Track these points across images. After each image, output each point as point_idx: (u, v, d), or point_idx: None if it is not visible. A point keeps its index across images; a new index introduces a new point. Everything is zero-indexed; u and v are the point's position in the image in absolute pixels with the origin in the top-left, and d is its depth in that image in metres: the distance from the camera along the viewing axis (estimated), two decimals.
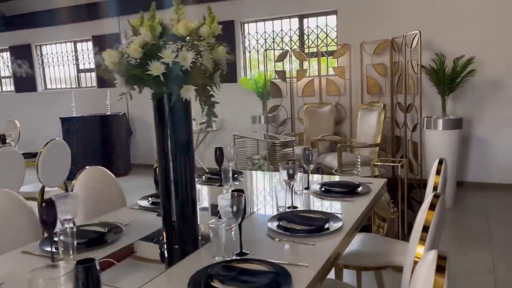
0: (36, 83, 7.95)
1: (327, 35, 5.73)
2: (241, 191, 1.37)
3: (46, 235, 1.52)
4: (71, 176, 2.41)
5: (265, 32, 6.11)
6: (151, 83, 1.35)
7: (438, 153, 4.30)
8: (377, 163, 3.51)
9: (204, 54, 1.36)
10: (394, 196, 3.68)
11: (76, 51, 7.65)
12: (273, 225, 1.62)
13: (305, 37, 5.88)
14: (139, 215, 1.93)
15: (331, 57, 5.60)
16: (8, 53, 8.12)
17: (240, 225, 1.39)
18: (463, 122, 4.46)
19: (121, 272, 1.37)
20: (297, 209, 1.87)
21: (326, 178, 2.53)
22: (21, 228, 1.79)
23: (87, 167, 2.21)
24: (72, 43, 7.64)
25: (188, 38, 1.40)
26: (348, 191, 2.07)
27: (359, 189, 2.09)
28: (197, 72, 1.36)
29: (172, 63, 1.32)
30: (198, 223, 1.58)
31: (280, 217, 1.68)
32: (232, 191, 1.38)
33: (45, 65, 7.97)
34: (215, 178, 2.47)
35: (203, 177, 2.56)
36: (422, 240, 1.31)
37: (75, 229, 1.39)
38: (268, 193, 2.26)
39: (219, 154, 2.34)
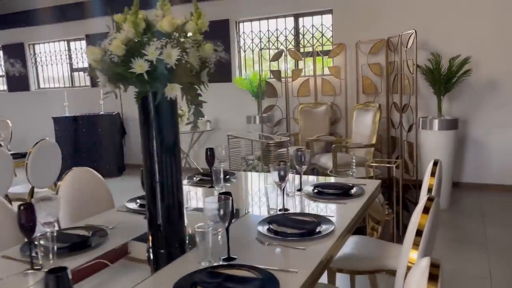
0: (29, 82, 7.86)
1: (322, 35, 5.69)
2: (229, 193, 1.32)
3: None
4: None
5: (260, 31, 6.06)
6: (134, 81, 1.30)
7: (433, 154, 4.26)
8: (372, 164, 3.47)
9: (190, 51, 1.31)
10: (389, 197, 3.64)
11: (69, 50, 7.57)
12: (263, 228, 1.57)
13: (301, 36, 5.84)
14: (126, 218, 1.87)
15: (327, 56, 5.56)
16: (1, 52, 8.04)
17: (227, 229, 1.34)
18: (458, 122, 4.43)
19: (104, 278, 1.32)
20: (289, 211, 1.82)
21: (321, 179, 2.48)
22: (3, 231, 1.73)
23: (74, 168, 2.16)
24: (66, 42, 7.57)
25: (174, 35, 1.34)
26: (341, 193, 2.02)
27: (353, 191, 2.05)
28: (182, 70, 1.31)
29: (156, 60, 1.27)
30: (185, 226, 1.53)
31: (270, 220, 1.63)
32: (220, 193, 1.33)
33: (38, 64, 7.89)
34: (207, 179, 2.42)
35: (194, 178, 2.51)
36: (416, 244, 1.27)
37: (55, 234, 1.33)
38: (259, 195, 2.21)
39: (210, 155, 2.29)
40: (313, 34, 5.75)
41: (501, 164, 4.81)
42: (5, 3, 7.24)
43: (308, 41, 5.79)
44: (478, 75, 4.70)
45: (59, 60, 7.70)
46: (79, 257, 1.45)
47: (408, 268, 1.27)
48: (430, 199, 1.30)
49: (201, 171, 5.09)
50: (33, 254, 1.37)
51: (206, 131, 6.10)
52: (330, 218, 1.68)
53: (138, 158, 6.87)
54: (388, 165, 3.65)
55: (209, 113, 6.17)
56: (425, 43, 4.83)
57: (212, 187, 2.28)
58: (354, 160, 3.76)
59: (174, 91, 1.30)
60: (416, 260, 1.25)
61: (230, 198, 1.29)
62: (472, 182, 4.96)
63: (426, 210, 1.28)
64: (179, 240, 1.51)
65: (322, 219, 1.64)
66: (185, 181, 2.48)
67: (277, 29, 5.95)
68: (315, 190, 2.07)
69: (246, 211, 1.88)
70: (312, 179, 2.51)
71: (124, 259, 1.48)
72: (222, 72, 6.03)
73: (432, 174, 1.79)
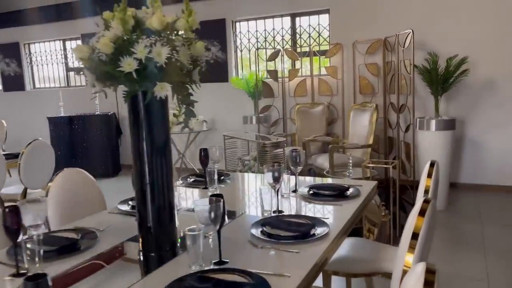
0: (24, 82, 7.81)
1: (319, 34, 5.66)
2: (220, 196, 1.29)
3: None
4: None
5: (257, 31, 6.03)
6: (123, 80, 1.26)
7: (431, 154, 4.24)
8: (368, 165, 3.44)
9: (180, 49, 1.28)
10: (386, 198, 3.61)
11: (65, 49, 7.52)
12: (256, 231, 1.54)
13: (297, 36, 5.81)
14: (117, 220, 1.84)
15: (324, 56, 5.53)
16: None
17: (219, 232, 1.31)
18: (456, 123, 4.41)
19: (93, 282, 1.28)
20: (283, 213, 1.79)
21: (318, 180, 2.45)
22: None
23: (65, 169, 2.12)
24: (61, 42, 7.51)
25: (164, 32, 1.31)
26: (337, 194, 1.99)
27: (348, 192, 2.02)
28: (173, 69, 1.28)
29: (146, 59, 1.23)
30: (177, 228, 1.49)
31: (263, 222, 1.60)
32: (211, 196, 1.30)
33: (34, 64, 7.83)
34: (201, 180, 2.39)
35: (188, 179, 2.47)
36: (411, 248, 1.24)
37: (41, 237, 1.30)
38: (254, 197, 2.18)
39: (204, 156, 2.25)
40: (310, 34, 5.72)
41: (499, 165, 4.79)
42: (0, 2, 7.19)
43: (305, 41, 5.76)
44: (475, 75, 4.67)
45: (54, 59, 7.64)
46: (68, 261, 1.42)
47: (404, 272, 1.24)
48: (426, 201, 1.27)
49: (197, 171, 5.06)
50: (20, 258, 1.33)
51: (202, 131, 6.05)
52: (325, 220, 1.65)
53: None
54: (385, 166, 3.62)
55: (205, 113, 6.13)
56: (422, 43, 4.81)
57: (206, 188, 2.24)
58: (350, 161, 3.74)
59: (164, 90, 1.26)
60: (412, 264, 1.22)
61: (222, 200, 1.26)
62: (470, 182, 4.94)
63: (422, 213, 1.25)
64: (170, 242, 1.47)
65: (316, 221, 1.61)
66: (179, 182, 2.45)
67: (274, 29, 5.92)
68: (311, 192, 2.04)
69: (240, 213, 1.85)
70: (308, 180, 2.47)
71: (114, 263, 1.44)
72: (219, 72, 6.00)
73: (429, 175, 1.77)
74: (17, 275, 1.32)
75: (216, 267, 1.28)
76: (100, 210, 2.07)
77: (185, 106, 1.37)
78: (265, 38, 5.99)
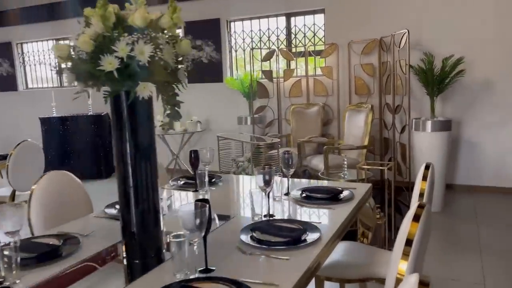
0: (17, 82, 7.71)
1: (314, 34, 5.61)
2: (206, 201, 1.23)
3: None
4: None
5: (251, 30, 5.97)
6: (104, 79, 1.20)
7: (426, 156, 4.20)
8: (363, 167, 3.39)
9: (164, 48, 1.22)
10: (382, 199, 3.57)
11: None
12: (245, 236, 1.49)
13: (292, 36, 5.76)
14: (103, 224, 1.78)
15: (319, 56, 5.48)
16: None
17: (205, 238, 1.25)
18: (452, 123, 4.37)
19: None
20: (274, 217, 1.74)
21: (313, 182, 2.40)
22: None
23: (51, 171, 2.05)
24: (54, 41, 7.43)
25: (148, 30, 1.25)
26: (330, 197, 1.94)
27: (342, 195, 1.97)
28: (156, 68, 1.22)
29: (127, 57, 1.18)
30: (162, 234, 1.43)
31: (253, 227, 1.54)
32: (196, 201, 1.24)
33: (26, 64, 7.74)
34: (192, 182, 2.33)
35: (179, 181, 2.42)
36: (405, 255, 1.18)
37: (18, 244, 1.24)
38: (245, 200, 2.13)
39: (194, 158, 2.20)
40: (305, 34, 5.67)
41: (495, 166, 4.75)
42: None
43: (300, 41, 5.71)
44: (471, 75, 4.64)
45: (47, 59, 7.56)
46: (48, 268, 1.36)
47: (397, 280, 1.19)
48: (420, 206, 1.22)
49: (192, 173, 4.99)
50: None
51: (196, 132, 5.99)
52: (317, 224, 1.60)
53: None
54: (380, 167, 3.57)
55: (200, 113, 6.08)
56: (418, 43, 4.77)
57: (196, 191, 2.19)
58: (345, 162, 3.69)
59: (147, 90, 1.21)
60: (406, 271, 1.17)
61: (207, 205, 1.20)
62: (465, 184, 4.90)
63: (416, 218, 1.20)
64: (155, 249, 1.41)
65: (308, 226, 1.56)
66: (169, 184, 2.39)
67: (268, 29, 5.87)
68: (303, 195, 1.99)
69: (230, 217, 1.79)
70: (301, 182, 2.42)
71: (96, 270, 1.38)
72: (213, 72, 5.94)
73: (424, 178, 1.72)
74: None
75: (201, 275, 1.22)
76: (87, 213, 2.01)
77: (170, 107, 1.31)
78: (260, 38, 5.93)
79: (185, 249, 1.22)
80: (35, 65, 7.69)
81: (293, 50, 5.64)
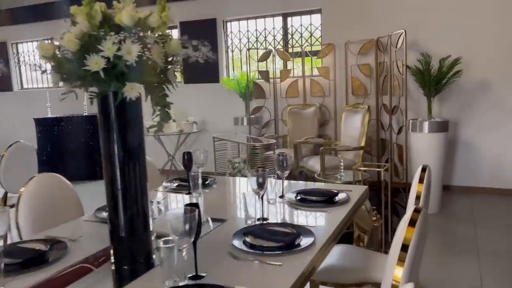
0: (12, 83, 7.66)
1: (311, 35, 5.58)
2: (195, 205, 1.19)
3: None
4: None
5: (248, 31, 5.94)
6: (89, 80, 1.16)
7: (423, 157, 4.18)
8: (360, 168, 3.36)
9: (153, 47, 1.18)
10: (378, 201, 3.54)
11: None
12: (238, 241, 1.45)
13: (289, 36, 5.72)
14: (92, 228, 1.74)
15: (316, 57, 5.45)
16: None
17: (195, 244, 1.21)
18: (449, 124, 4.34)
19: None
20: (268, 221, 1.70)
21: (309, 184, 2.36)
22: None
23: (40, 173, 2.01)
24: (49, 41, 7.36)
25: (135, 29, 1.21)
26: (325, 200, 1.91)
27: (337, 197, 1.93)
28: (145, 68, 1.18)
29: (114, 57, 1.14)
30: (152, 238, 1.39)
31: (246, 231, 1.50)
32: (185, 205, 1.20)
33: (22, 64, 7.68)
34: (185, 184, 2.29)
35: (172, 183, 2.38)
36: (401, 260, 1.15)
37: (1, 249, 1.19)
38: (238, 202, 2.09)
39: (187, 159, 2.16)
40: (301, 34, 5.64)
41: (492, 167, 4.73)
42: None
43: (296, 41, 5.68)
44: (468, 76, 4.61)
45: (42, 59, 7.49)
46: (33, 275, 1.32)
47: (394, 286, 1.16)
48: (416, 211, 1.18)
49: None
50: None
51: (192, 132, 5.95)
52: (312, 228, 1.56)
53: None
54: (377, 169, 3.54)
55: (196, 114, 6.04)
56: (415, 43, 4.75)
57: (189, 193, 2.15)
58: (342, 163, 3.66)
59: (134, 91, 1.17)
60: (401, 278, 1.13)
61: (197, 210, 1.16)
62: (463, 185, 4.87)
63: (412, 223, 1.17)
64: (144, 254, 1.37)
65: (302, 230, 1.52)
66: (163, 186, 2.35)
67: (265, 29, 5.84)
68: (298, 197, 1.95)
69: (223, 221, 1.75)
70: (297, 184, 2.38)
71: (84, 277, 1.34)
72: (209, 72, 5.90)
73: (421, 180, 1.68)
74: None
75: (191, 282, 1.19)
76: (77, 216, 1.97)
77: (160, 108, 1.27)
78: (257, 38, 5.90)
79: (174, 255, 1.18)
80: (30, 65, 7.63)
81: (290, 50, 5.61)
